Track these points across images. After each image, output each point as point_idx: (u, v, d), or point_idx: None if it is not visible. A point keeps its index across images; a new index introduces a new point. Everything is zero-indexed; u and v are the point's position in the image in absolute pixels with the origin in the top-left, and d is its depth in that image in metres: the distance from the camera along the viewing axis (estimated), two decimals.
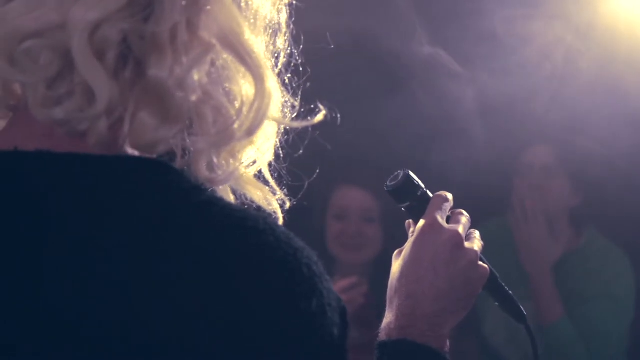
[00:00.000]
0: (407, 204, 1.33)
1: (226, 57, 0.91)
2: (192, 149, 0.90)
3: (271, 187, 1.02)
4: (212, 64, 0.91)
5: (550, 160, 3.09)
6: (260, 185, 1.00)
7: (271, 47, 1.00)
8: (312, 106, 1.05)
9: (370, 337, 3.10)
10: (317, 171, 3.09)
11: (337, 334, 0.87)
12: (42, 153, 0.87)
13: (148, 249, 0.82)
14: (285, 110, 1.02)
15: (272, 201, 1.01)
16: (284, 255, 0.85)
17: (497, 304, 1.42)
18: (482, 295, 3.42)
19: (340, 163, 3.29)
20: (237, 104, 0.91)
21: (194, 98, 0.88)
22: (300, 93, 1.07)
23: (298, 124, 1.01)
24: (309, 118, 1.03)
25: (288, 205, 1.04)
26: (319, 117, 1.03)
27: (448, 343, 1.24)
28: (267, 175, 1.03)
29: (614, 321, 3.02)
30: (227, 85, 0.92)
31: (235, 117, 0.91)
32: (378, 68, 3.24)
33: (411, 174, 1.32)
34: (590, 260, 3.08)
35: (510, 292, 1.41)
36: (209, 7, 0.89)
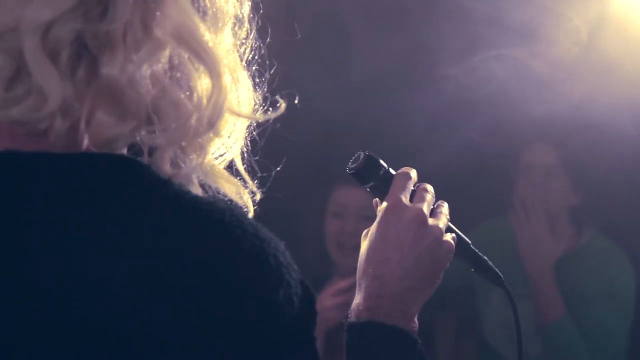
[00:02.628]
0: (371, 184, 1.33)
1: (183, 54, 0.92)
2: (151, 145, 0.91)
3: (243, 179, 1.04)
4: (170, 61, 0.91)
5: (551, 160, 3.08)
6: (232, 178, 1.01)
7: (242, 42, 1.03)
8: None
9: None
10: (318, 171, 3.07)
11: (305, 322, 0.89)
12: (10, 153, 0.88)
13: (116, 244, 0.83)
14: (256, 105, 1.04)
15: (244, 194, 1.02)
16: (252, 246, 0.86)
17: (472, 270, 1.42)
18: (482, 296, 3.42)
19: (340, 162, 3.28)
20: (195, 100, 0.92)
21: (149, 94, 0.89)
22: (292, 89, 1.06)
23: (259, 117, 1.03)
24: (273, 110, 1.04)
25: (258, 196, 1.05)
26: (280, 110, 1.03)
27: (417, 322, 1.26)
28: (240, 167, 1.04)
29: (614, 321, 3.00)
30: (185, 81, 0.93)
31: (192, 112, 0.92)
32: (381, 65, 3.23)
33: (372, 154, 1.32)
34: (591, 260, 3.07)
35: (485, 257, 1.41)
36: (162, 6, 0.90)
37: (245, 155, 1.06)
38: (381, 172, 1.32)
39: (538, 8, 2.94)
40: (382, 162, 1.33)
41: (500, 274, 1.42)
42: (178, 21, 0.91)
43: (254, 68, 1.06)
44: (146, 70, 0.89)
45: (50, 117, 0.87)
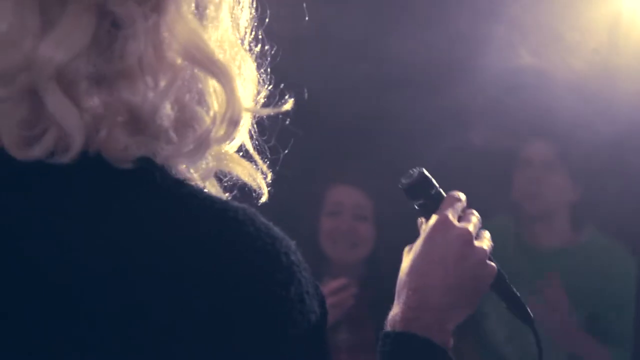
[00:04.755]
0: (420, 201, 1.34)
1: (194, 70, 0.93)
2: (170, 160, 0.91)
3: (254, 161, 1.04)
4: (183, 78, 0.92)
5: (550, 156, 3.07)
6: (243, 161, 1.02)
7: (244, 25, 1.03)
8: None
9: (361, 337, 3.07)
10: (313, 170, 3.05)
11: (316, 320, 0.89)
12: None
13: (129, 242, 0.84)
14: (261, 99, 1.05)
15: (256, 175, 1.03)
16: (263, 244, 0.87)
17: (504, 305, 1.43)
18: (483, 295, 3.43)
19: (336, 162, 3.27)
20: (211, 113, 0.94)
21: (170, 117, 0.90)
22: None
23: (269, 111, 1.04)
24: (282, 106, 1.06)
25: (269, 177, 1.06)
26: (288, 105, 1.06)
27: (451, 340, 1.26)
28: (250, 148, 1.05)
29: (616, 318, 3.01)
30: (199, 96, 0.94)
31: (211, 127, 0.93)
32: (379, 65, 3.22)
33: (426, 172, 1.34)
34: (592, 257, 3.07)
35: (518, 294, 1.41)
36: (169, 25, 0.90)
37: (254, 136, 1.07)
38: (432, 192, 1.34)
39: (561, 7, 2.95)
40: (434, 181, 1.34)
41: (531, 313, 1.42)
42: (185, 38, 0.90)
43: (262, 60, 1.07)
44: (168, 99, 0.89)
45: (72, 155, 0.87)
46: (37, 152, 0.86)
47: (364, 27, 3.24)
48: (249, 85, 1.00)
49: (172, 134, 0.91)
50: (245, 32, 1.03)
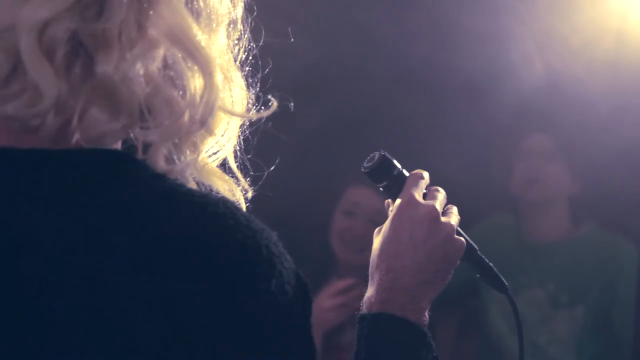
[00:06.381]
0: (384, 183, 1.37)
1: (176, 53, 0.94)
2: (144, 140, 0.93)
3: (235, 177, 1.06)
4: (164, 60, 0.94)
5: (551, 146, 3.08)
6: (224, 175, 1.04)
7: (236, 42, 1.06)
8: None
9: None
10: (335, 169, 3.04)
11: (298, 311, 0.90)
12: (4, 149, 0.90)
13: (108, 238, 0.85)
14: (250, 104, 1.07)
15: (236, 191, 1.05)
16: (243, 237, 0.87)
17: (478, 275, 1.45)
18: (485, 288, 3.42)
19: (360, 164, 3.27)
20: (187, 98, 0.95)
21: (143, 92, 0.91)
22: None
23: (252, 115, 1.05)
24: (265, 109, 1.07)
25: (250, 194, 1.09)
26: (272, 109, 1.06)
27: (427, 315, 1.29)
28: (232, 165, 1.07)
29: (615, 312, 3.01)
30: (178, 80, 0.95)
31: (184, 110, 0.94)
32: (395, 73, 3.23)
33: (387, 154, 1.36)
34: (591, 249, 3.06)
35: (490, 263, 1.43)
36: (155, 6, 0.92)
37: (238, 153, 1.09)
38: (395, 172, 1.36)
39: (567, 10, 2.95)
40: (396, 162, 1.37)
41: (504, 281, 1.44)
42: (171, 21, 0.93)
43: (247, 68, 1.09)
44: (140, 69, 0.91)
45: (44, 113, 0.89)
46: (10, 109, 0.89)
47: (390, 29, 3.25)
48: (238, 91, 1.03)
49: (147, 113, 0.92)
50: (237, 45, 1.06)
